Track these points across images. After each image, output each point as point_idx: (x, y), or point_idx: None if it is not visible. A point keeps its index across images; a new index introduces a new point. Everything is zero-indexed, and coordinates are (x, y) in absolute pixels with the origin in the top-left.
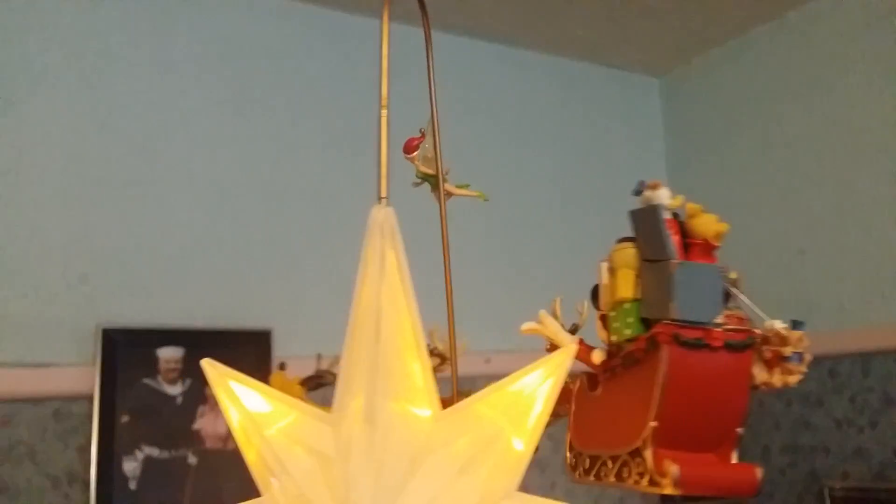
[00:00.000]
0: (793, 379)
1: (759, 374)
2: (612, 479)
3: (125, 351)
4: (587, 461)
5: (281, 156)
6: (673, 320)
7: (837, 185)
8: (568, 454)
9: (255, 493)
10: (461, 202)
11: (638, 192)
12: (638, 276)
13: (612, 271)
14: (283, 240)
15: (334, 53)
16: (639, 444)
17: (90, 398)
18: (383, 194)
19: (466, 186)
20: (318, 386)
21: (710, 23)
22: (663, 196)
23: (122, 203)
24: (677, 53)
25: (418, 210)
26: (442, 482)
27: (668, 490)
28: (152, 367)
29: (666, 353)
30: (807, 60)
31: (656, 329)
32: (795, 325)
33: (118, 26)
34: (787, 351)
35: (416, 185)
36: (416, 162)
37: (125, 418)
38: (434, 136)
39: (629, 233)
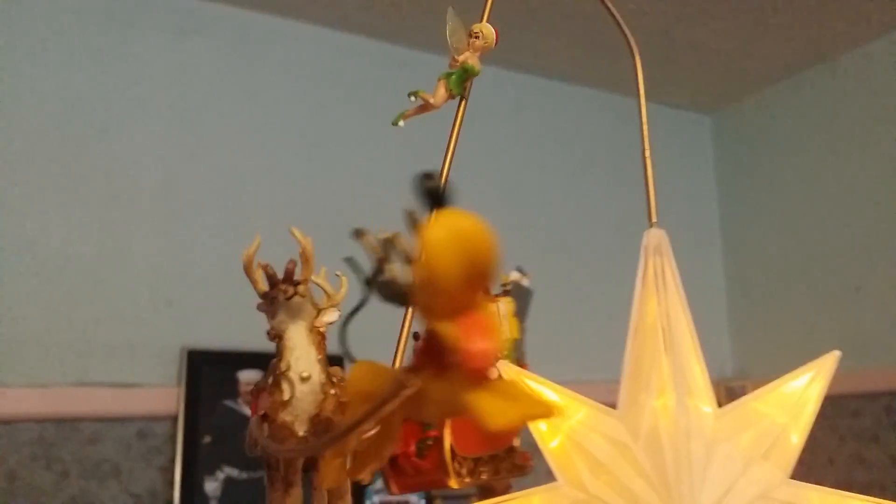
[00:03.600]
0: None
1: None
2: (486, 476)
3: (208, 372)
4: (469, 464)
5: (358, 187)
6: None
7: (892, 223)
8: (451, 462)
9: None
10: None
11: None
12: None
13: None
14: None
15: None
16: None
17: (173, 418)
18: (654, 220)
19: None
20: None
21: (763, 63)
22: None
23: (206, 229)
24: (730, 92)
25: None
26: (733, 470)
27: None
28: (233, 388)
29: None
30: (861, 103)
31: None
32: None
33: (207, 59)
34: None
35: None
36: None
37: (207, 439)
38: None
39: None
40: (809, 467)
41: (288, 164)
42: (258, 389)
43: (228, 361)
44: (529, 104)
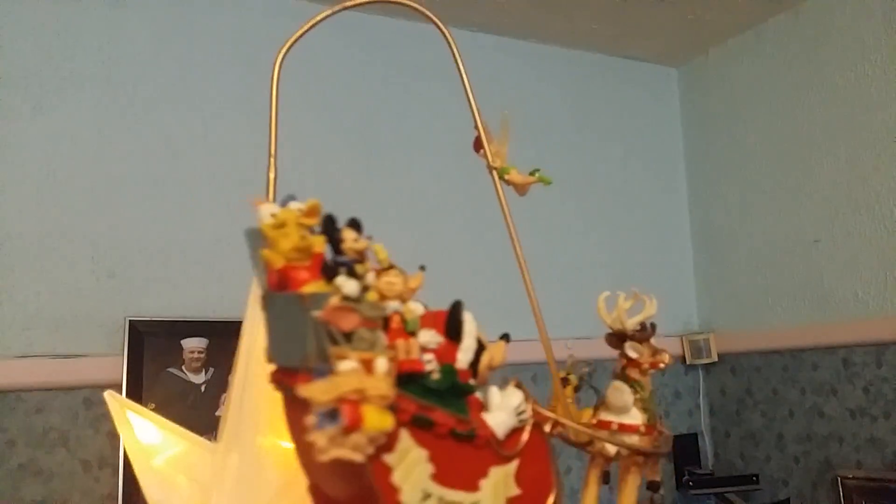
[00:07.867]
0: None
1: None
2: None
3: (151, 342)
4: None
5: (300, 156)
6: None
7: (852, 176)
8: None
9: None
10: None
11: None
12: None
13: None
14: None
15: (347, 51)
16: None
17: (119, 387)
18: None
19: (536, 172)
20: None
21: (726, 13)
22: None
23: (147, 201)
24: (695, 44)
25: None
26: None
27: None
28: (177, 356)
29: None
30: (822, 51)
31: None
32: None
33: (142, 30)
34: None
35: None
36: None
37: (152, 406)
38: (482, 132)
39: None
40: (771, 419)
41: (226, 133)
42: None
43: (171, 330)
44: (490, 64)
